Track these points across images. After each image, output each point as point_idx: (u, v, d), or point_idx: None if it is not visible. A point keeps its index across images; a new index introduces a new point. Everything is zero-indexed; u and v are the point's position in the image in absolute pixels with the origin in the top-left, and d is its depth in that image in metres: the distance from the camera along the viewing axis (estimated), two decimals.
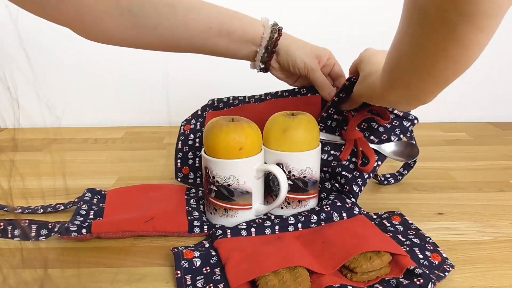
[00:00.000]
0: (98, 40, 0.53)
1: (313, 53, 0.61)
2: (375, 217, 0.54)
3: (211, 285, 0.41)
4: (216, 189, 0.50)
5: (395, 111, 0.60)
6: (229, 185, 0.50)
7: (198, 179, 0.63)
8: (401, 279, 0.40)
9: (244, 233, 0.49)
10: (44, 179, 0.69)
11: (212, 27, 0.56)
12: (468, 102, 1.03)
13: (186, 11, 0.54)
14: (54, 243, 0.49)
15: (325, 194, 0.57)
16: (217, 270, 0.43)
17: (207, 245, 0.48)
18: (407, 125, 0.60)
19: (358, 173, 0.58)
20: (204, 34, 0.56)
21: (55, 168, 0.74)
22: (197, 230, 0.51)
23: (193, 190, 0.61)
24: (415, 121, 0.61)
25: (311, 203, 0.55)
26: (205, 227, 0.51)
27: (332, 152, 0.61)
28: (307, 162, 0.53)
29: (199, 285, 0.41)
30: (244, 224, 0.50)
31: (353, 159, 0.59)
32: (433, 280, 0.39)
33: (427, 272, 0.41)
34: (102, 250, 0.48)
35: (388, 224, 0.51)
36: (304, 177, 0.53)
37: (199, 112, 0.68)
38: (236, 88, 0.99)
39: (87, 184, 0.64)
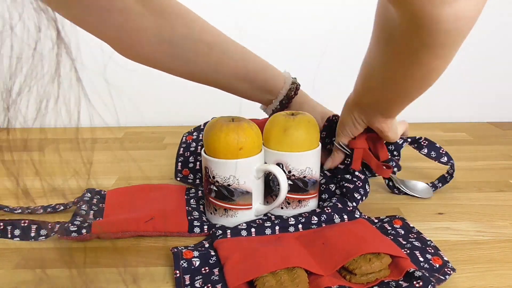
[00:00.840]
0: (133, 59, 0.56)
1: (320, 116, 0.63)
2: (376, 221, 0.53)
3: (209, 285, 0.40)
4: (216, 189, 0.50)
5: None
6: (229, 185, 0.50)
7: (198, 180, 0.64)
8: (400, 282, 0.40)
9: (244, 233, 0.49)
10: (44, 179, 0.69)
11: (239, 73, 0.60)
12: (468, 102, 1.03)
13: (220, 53, 0.57)
14: (54, 243, 0.49)
15: (327, 195, 0.57)
16: (216, 270, 0.43)
17: (207, 245, 0.48)
18: (401, 142, 0.64)
19: (360, 183, 0.57)
20: (230, 77, 0.60)
21: (55, 168, 0.74)
22: (197, 230, 0.51)
23: (193, 190, 0.61)
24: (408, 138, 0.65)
25: (311, 203, 0.55)
26: (205, 227, 0.51)
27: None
28: (307, 162, 0.53)
29: (197, 285, 0.41)
30: (244, 224, 0.50)
31: (356, 173, 0.59)
32: (432, 283, 0.39)
33: (427, 275, 0.40)
34: (102, 250, 0.48)
35: (389, 228, 0.51)
36: (304, 177, 0.53)
37: (202, 127, 0.69)
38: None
39: (87, 184, 0.64)
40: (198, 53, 0.56)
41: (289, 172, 0.53)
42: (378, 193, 0.63)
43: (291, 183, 0.53)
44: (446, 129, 0.97)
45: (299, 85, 0.64)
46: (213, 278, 0.42)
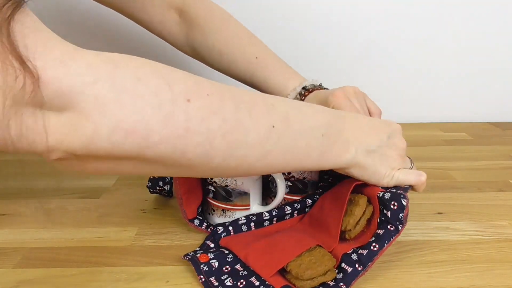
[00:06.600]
0: None
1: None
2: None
3: (242, 280, 0.41)
4: (214, 190, 0.51)
5: None
6: (226, 185, 0.50)
7: None
8: (383, 217, 0.42)
9: (244, 228, 0.49)
10: (44, 179, 0.69)
11: (246, 79, 0.65)
12: (468, 102, 1.03)
13: (229, 62, 0.65)
14: (53, 243, 0.50)
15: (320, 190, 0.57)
16: (238, 267, 0.43)
17: (212, 245, 0.48)
18: None
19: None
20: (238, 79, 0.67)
21: (55, 168, 0.74)
22: (196, 222, 0.51)
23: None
24: None
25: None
26: (204, 223, 0.51)
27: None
28: None
29: (228, 283, 0.41)
30: (243, 218, 0.50)
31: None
32: (402, 196, 0.41)
33: (393, 190, 0.43)
34: (102, 250, 0.48)
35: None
36: (304, 178, 0.53)
37: None
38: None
39: (87, 184, 0.65)
40: (212, 59, 0.66)
41: (289, 173, 0.53)
42: None
43: (291, 184, 0.53)
44: (446, 129, 0.97)
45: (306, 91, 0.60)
46: (242, 273, 0.42)
